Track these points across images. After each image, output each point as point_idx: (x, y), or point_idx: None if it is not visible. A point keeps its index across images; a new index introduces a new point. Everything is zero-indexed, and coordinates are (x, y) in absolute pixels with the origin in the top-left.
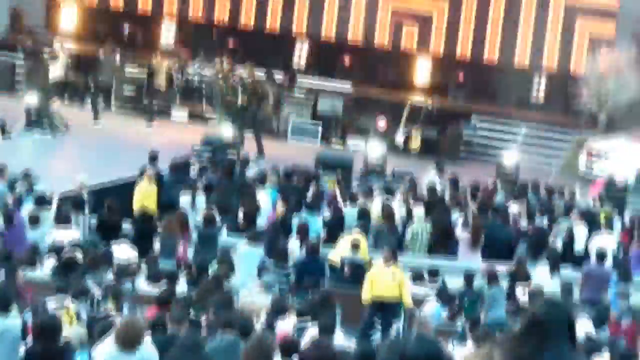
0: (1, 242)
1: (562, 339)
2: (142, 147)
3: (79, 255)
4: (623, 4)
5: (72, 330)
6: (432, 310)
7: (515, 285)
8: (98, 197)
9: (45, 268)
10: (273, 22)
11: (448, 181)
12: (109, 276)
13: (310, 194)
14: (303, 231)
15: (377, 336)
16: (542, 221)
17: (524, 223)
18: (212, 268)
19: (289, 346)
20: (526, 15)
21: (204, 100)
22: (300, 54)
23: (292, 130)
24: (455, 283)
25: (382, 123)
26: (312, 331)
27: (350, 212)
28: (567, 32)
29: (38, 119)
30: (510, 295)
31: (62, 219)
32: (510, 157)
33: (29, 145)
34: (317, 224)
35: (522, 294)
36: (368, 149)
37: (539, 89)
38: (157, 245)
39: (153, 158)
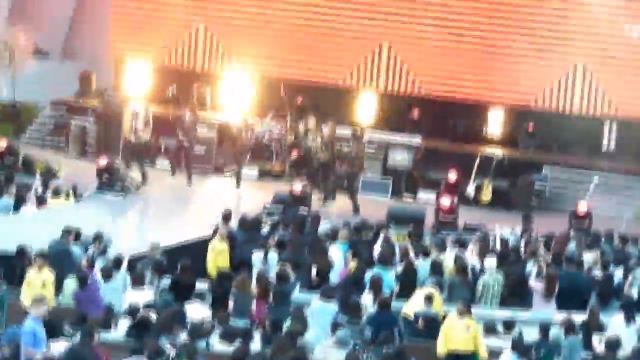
0: (76, 304)
1: None
2: (214, 206)
3: (153, 316)
4: None
5: None
6: None
7: (590, 335)
8: (171, 257)
9: (120, 329)
10: (341, 76)
11: (521, 232)
12: (183, 336)
13: (381, 248)
14: (376, 285)
15: None
16: (616, 270)
17: (598, 272)
18: (286, 325)
19: None
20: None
21: (274, 157)
22: (368, 107)
23: (362, 185)
24: (530, 334)
25: (452, 175)
26: None
27: (422, 265)
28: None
29: (110, 181)
30: (586, 345)
31: (137, 281)
32: (582, 206)
33: (100, 207)
34: (389, 278)
35: (598, 343)
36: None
37: (610, 137)
38: (230, 304)
39: (226, 217)
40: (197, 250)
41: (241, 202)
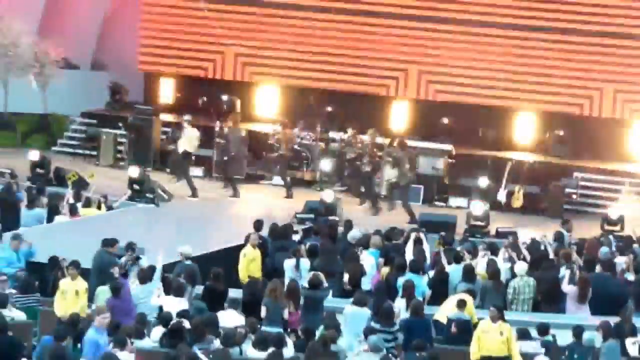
0: (110, 313)
1: None
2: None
3: (187, 324)
4: None
5: None
6: None
7: (624, 339)
8: (203, 265)
9: (153, 337)
10: (371, 85)
11: (553, 237)
12: (216, 344)
13: (413, 255)
14: (409, 291)
15: None
16: None
17: (630, 276)
18: (319, 331)
19: None
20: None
21: (305, 166)
22: (400, 115)
23: (392, 192)
24: (563, 338)
25: (484, 182)
26: None
27: (454, 271)
28: None
29: (141, 190)
30: (620, 349)
31: (170, 289)
32: (614, 211)
33: (132, 216)
34: (422, 283)
35: (632, 347)
36: (471, 208)
37: None
38: (263, 311)
39: (258, 225)
40: (228, 258)
41: (272, 211)
